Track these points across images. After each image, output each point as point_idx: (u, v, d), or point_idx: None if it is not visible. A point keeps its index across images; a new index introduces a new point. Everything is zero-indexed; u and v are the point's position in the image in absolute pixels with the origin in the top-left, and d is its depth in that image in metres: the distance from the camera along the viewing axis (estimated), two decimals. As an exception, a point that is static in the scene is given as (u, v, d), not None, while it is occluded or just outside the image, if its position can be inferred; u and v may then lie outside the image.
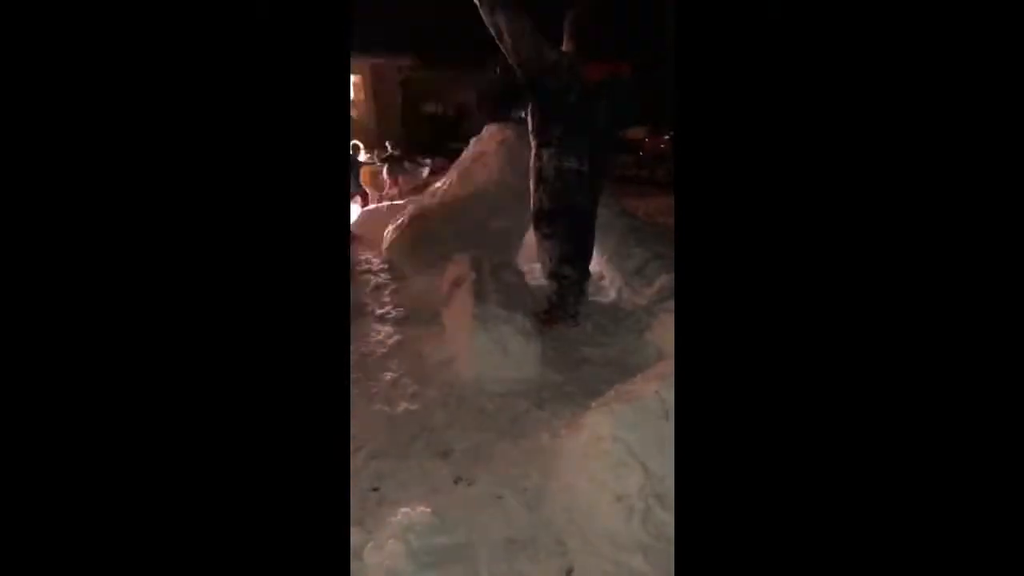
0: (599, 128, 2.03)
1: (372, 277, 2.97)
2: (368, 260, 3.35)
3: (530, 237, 2.56)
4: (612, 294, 2.50)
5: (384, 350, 2.08)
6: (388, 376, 1.88)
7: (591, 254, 2.28)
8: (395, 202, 4.44)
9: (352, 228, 4.32)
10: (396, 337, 2.18)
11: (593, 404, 1.48)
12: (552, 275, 2.24)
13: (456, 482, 1.38)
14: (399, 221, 3.44)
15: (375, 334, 2.23)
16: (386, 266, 3.17)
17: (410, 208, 3.51)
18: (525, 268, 2.68)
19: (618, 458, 1.29)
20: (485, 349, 1.83)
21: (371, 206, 4.78)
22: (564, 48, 2.05)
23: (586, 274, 2.25)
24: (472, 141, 3.35)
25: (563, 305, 2.22)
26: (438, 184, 3.44)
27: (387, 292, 2.73)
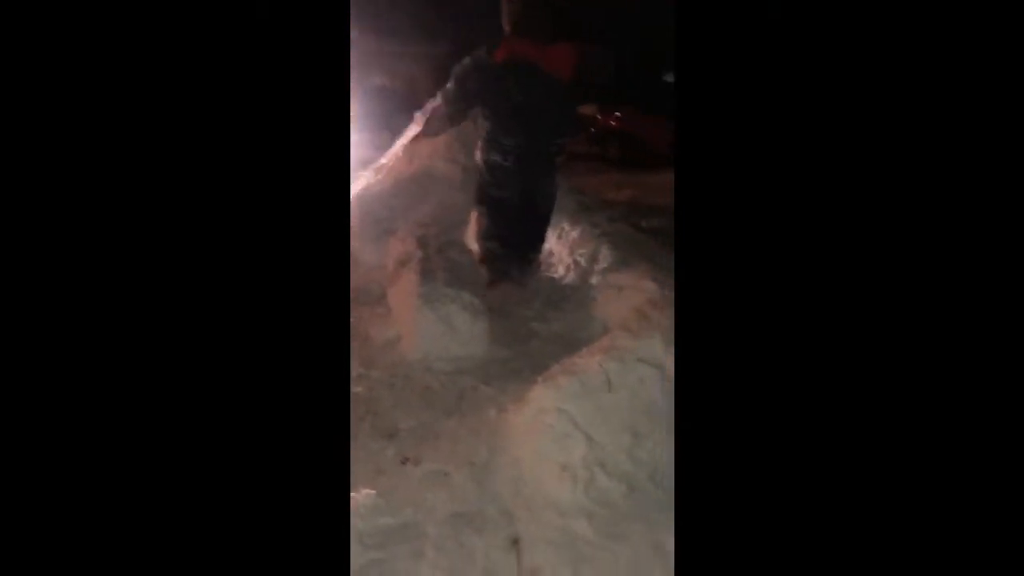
0: (524, 115, 2.06)
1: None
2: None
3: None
4: (561, 270, 2.52)
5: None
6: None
7: (528, 235, 2.35)
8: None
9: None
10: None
11: (539, 378, 1.50)
12: (481, 248, 2.35)
13: (402, 463, 1.36)
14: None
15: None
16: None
17: (354, 186, 3.38)
18: (474, 245, 2.65)
19: (562, 430, 1.32)
20: (431, 328, 1.81)
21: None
22: (505, 26, 2.04)
23: (515, 250, 2.33)
24: (416, 115, 3.23)
25: (494, 270, 2.29)
26: (383, 160, 3.32)
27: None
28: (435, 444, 1.43)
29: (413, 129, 3.20)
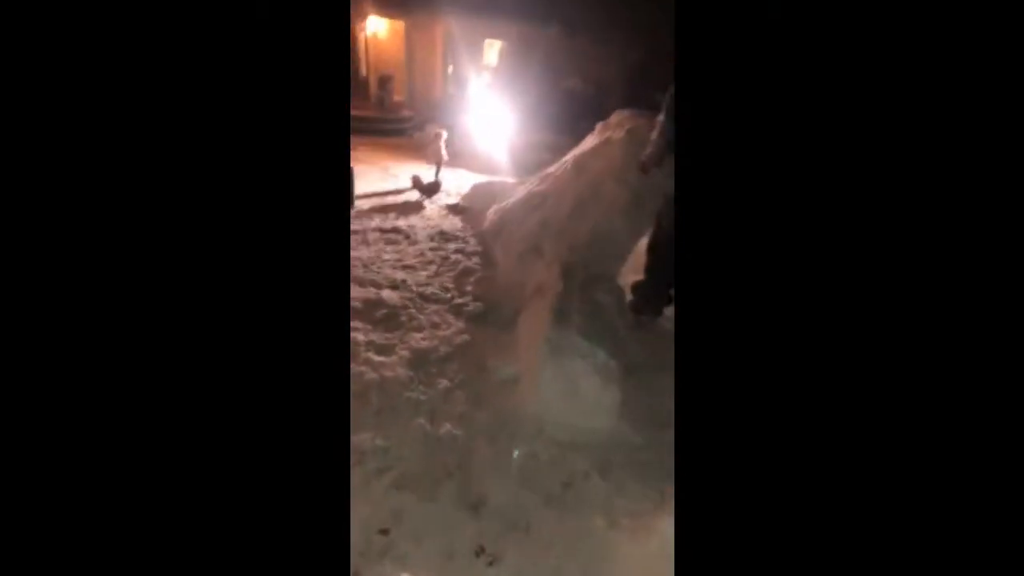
0: None
1: (462, 259, 2.79)
2: (465, 239, 3.19)
3: (642, 247, 2.17)
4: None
5: (448, 350, 1.88)
6: (442, 384, 1.68)
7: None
8: (507, 180, 4.25)
9: (461, 200, 4.23)
10: (464, 337, 1.97)
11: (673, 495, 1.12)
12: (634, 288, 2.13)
13: (478, 554, 1.13)
14: (504, 203, 3.21)
15: (445, 327, 2.04)
16: (480, 249, 2.97)
17: (519, 190, 3.26)
18: (629, 282, 2.30)
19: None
20: (553, 384, 1.53)
21: (483, 180, 4.64)
22: None
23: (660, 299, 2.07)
24: (598, 126, 2.95)
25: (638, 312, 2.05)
26: (551, 169, 3.13)
27: (472, 280, 2.52)
28: (521, 541, 1.16)
29: (591, 140, 2.94)
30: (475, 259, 2.81)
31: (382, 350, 1.83)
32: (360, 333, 1.92)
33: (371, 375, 1.67)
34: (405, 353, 1.82)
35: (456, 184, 4.80)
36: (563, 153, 3.47)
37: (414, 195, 4.21)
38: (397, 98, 7.20)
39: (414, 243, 3.04)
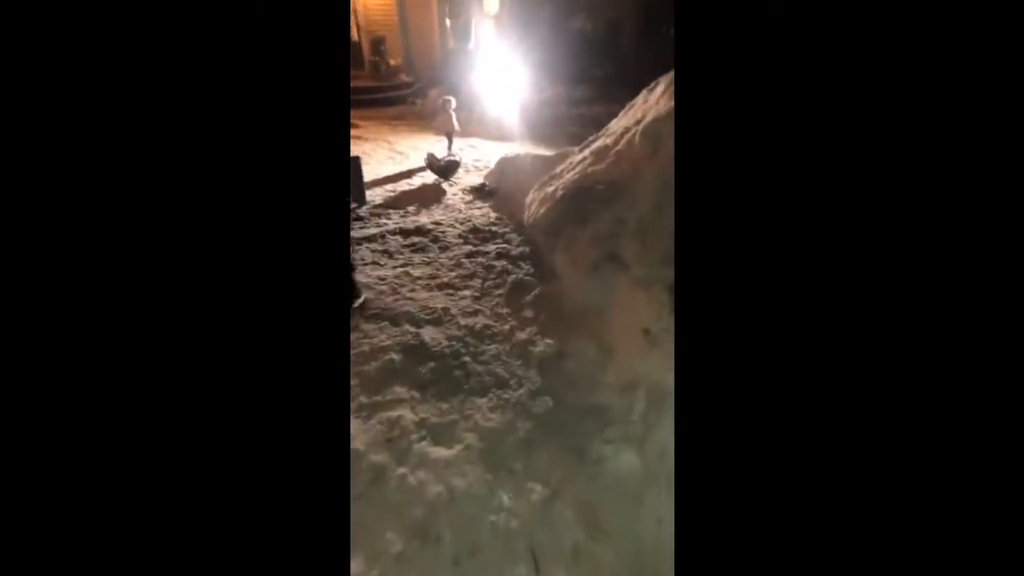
0: None
1: (509, 268, 2.26)
2: (504, 236, 2.64)
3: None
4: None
5: (528, 426, 1.39)
6: (535, 492, 1.19)
7: None
8: (537, 153, 3.63)
9: (486, 180, 3.64)
10: (545, 401, 1.47)
11: None
12: None
13: None
14: (550, 188, 2.63)
15: (515, 384, 1.54)
16: (526, 249, 2.43)
17: (564, 170, 2.66)
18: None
19: None
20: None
21: (507, 151, 4.02)
22: None
23: None
24: (660, 83, 2.31)
25: None
26: (602, 141, 2.51)
27: (530, 299, 2.00)
28: None
29: (662, 101, 2.31)
30: (525, 266, 2.27)
31: (440, 436, 1.35)
32: (407, 407, 1.43)
33: (435, 487, 1.19)
34: (472, 438, 1.34)
35: (473, 156, 4.19)
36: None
37: (429, 176, 3.63)
38: (393, 62, 6.44)
39: (445, 248, 2.51)
